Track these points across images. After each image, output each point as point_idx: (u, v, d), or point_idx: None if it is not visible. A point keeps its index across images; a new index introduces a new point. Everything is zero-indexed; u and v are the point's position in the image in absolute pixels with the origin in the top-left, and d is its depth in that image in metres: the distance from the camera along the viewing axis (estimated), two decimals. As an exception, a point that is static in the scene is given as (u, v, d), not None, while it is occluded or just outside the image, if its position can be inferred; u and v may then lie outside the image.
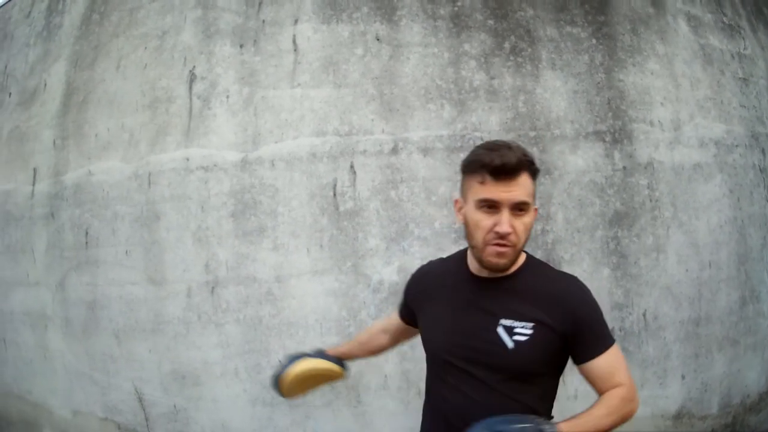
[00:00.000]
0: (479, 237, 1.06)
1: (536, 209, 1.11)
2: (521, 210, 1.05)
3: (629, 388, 1.11)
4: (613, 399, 1.09)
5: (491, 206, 1.04)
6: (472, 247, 1.10)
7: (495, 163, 1.02)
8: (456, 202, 1.15)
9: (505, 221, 1.03)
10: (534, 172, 1.07)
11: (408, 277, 1.36)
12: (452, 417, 1.12)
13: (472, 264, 1.16)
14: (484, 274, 1.14)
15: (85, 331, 2.63)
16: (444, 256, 1.34)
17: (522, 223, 1.05)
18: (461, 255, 1.24)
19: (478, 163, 1.04)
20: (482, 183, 1.04)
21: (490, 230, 1.04)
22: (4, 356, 3.12)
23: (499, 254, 1.05)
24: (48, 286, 2.76)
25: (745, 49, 2.93)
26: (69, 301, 2.67)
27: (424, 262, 1.36)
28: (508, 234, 1.03)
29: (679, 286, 2.45)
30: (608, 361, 1.11)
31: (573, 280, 1.17)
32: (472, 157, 1.07)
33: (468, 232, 1.10)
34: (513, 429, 0.98)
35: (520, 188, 1.03)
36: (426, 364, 1.25)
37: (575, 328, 1.10)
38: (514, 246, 1.05)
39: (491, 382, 1.10)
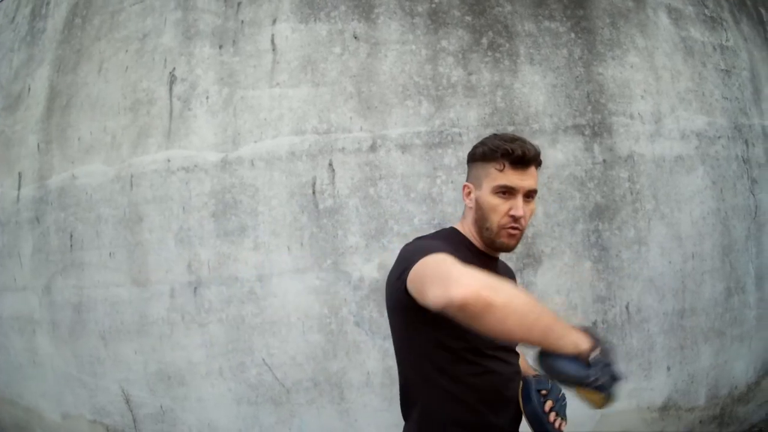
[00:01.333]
0: (495, 220, 1.16)
1: None
2: (529, 197, 1.18)
3: None
4: None
5: (507, 192, 1.15)
6: (486, 228, 1.18)
7: (517, 152, 1.13)
8: (465, 187, 1.24)
9: (519, 206, 1.14)
10: (539, 165, 1.20)
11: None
12: (502, 387, 1.20)
13: (478, 243, 1.24)
14: (489, 252, 1.24)
15: (72, 334, 2.63)
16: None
17: (530, 209, 1.18)
18: (457, 235, 1.26)
19: (500, 152, 1.14)
20: (501, 170, 1.15)
21: (506, 214, 1.15)
22: (-6, 361, 3.13)
23: (512, 236, 1.17)
24: (35, 290, 2.77)
25: (727, 40, 2.93)
26: (56, 305, 2.68)
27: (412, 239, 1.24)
28: (521, 217, 1.15)
29: (662, 278, 2.45)
30: None
31: None
32: (492, 146, 1.16)
33: (481, 215, 1.19)
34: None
35: (531, 178, 1.16)
36: (458, 351, 1.14)
37: None
38: (522, 229, 1.17)
39: (512, 346, 1.25)
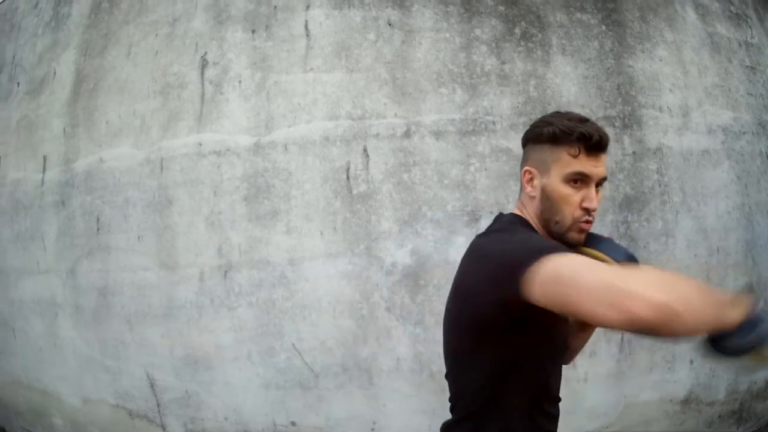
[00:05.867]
0: (567, 212, 1.03)
1: None
2: (599, 185, 1.06)
3: None
4: None
5: (580, 180, 1.03)
6: (555, 222, 1.05)
7: (594, 137, 1.01)
8: (526, 172, 1.09)
9: (593, 197, 1.03)
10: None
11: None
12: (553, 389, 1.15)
13: (543, 235, 1.11)
14: None
15: (96, 317, 2.63)
16: (459, 240, 1.15)
17: (599, 198, 1.06)
18: (529, 226, 1.11)
19: (575, 135, 1.01)
20: (575, 156, 1.02)
21: (579, 205, 1.03)
22: (13, 345, 3.12)
23: (583, 230, 1.05)
24: (58, 273, 2.76)
25: (752, 37, 2.95)
26: (80, 288, 2.68)
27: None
28: (595, 209, 1.04)
29: (687, 270, 2.46)
30: None
31: None
32: (564, 127, 1.03)
33: (549, 206, 1.06)
34: None
35: (603, 164, 1.04)
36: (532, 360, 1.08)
37: None
38: (592, 221, 1.05)
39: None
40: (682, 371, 2.52)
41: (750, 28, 2.95)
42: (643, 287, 0.75)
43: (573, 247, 1.06)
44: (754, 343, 0.81)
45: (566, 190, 1.03)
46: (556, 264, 0.85)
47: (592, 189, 1.03)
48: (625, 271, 0.81)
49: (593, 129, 1.02)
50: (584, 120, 1.04)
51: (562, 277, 0.84)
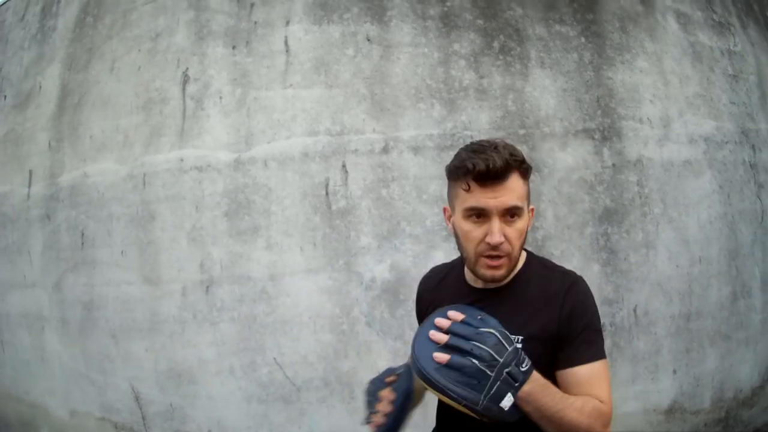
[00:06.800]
0: (470, 249, 0.99)
1: (533, 209, 1.05)
2: (513, 215, 0.97)
3: (608, 409, 0.97)
4: (589, 402, 0.94)
5: (479, 215, 0.97)
6: (465, 259, 1.04)
7: (479, 168, 0.93)
8: (445, 210, 1.09)
9: (495, 231, 0.95)
10: (525, 172, 0.99)
11: (407, 282, 1.29)
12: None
13: (468, 274, 1.11)
14: (480, 284, 1.08)
15: (81, 331, 2.65)
16: (437, 255, 1.25)
17: (515, 229, 0.98)
18: (458, 264, 1.17)
19: (462, 170, 0.96)
20: (467, 190, 0.96)
21: (481, 241, 0.97)
22: (1, 358, 3.14)
23: (493, 267, 0.99)
24: (44, 287, 2.78)
25: (735, 45, 2.95)
26: (65, 302, 2.69)
27: (423, 264, 1.22)
28: (500, 244, 0.96)
29: (669, 281, 2.47)
30: (592, 372, 0.99)
31: (574, 281, 1.07)
32: (456, 161, 0.99)
33: (458, 243, 1.03)
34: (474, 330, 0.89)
35: (509, 192, 0.95)
36: None
37: (565, 331, 1.01)
38: (508, 255, 0.98)
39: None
40: (665, 381, 2.53)
41: (733, 36, 2.96)
42: None
43: (490, 281, 1.03)
44: None
45: (467, 226, 0.99)
46: None
47: (495, 222, 0.96)
48: None
49: (482, 159, 0.93)
50: (484, 149, 0.96)
51: None
